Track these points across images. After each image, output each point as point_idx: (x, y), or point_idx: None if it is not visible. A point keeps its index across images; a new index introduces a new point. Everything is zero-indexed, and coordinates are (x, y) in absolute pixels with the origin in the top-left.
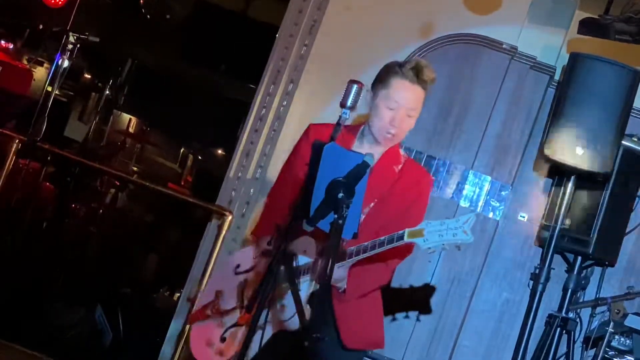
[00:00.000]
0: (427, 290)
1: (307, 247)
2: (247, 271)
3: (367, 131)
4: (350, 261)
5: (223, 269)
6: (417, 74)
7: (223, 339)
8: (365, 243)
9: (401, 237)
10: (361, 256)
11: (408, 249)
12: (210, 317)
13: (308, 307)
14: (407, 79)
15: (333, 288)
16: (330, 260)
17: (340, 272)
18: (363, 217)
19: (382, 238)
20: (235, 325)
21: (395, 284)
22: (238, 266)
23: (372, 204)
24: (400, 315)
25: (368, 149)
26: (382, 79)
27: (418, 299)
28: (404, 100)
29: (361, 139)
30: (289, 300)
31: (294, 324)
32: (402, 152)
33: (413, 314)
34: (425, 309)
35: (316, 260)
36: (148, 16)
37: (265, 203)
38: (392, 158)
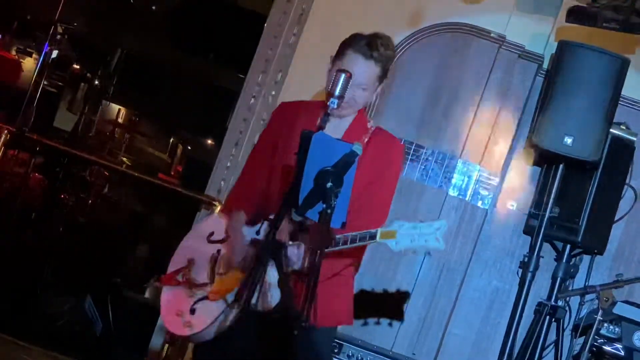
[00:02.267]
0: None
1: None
2: (220, 241)
3: (331, 109)
4: (320, 254)
5: (197, 234)
6: (371, 50)
7: (192, 311)
8: (338, 236)
9: (373, 237)
10: (331, 249)
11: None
12: (181, 284)
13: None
14: (360, 53)
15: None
16: (319, 250)
17: (292, 251)
18: None
19: (355, 233)
20: (205, 298)
21: (384, 271)
22: (212, 234)
23: None
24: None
25: (332, 122)
26: (339, 51)
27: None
28: (355, 72)
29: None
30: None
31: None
32: (370, 122)
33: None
34: (398, 315)
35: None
36: (135, 6)
37: (236, 181)
38: (359, 129)
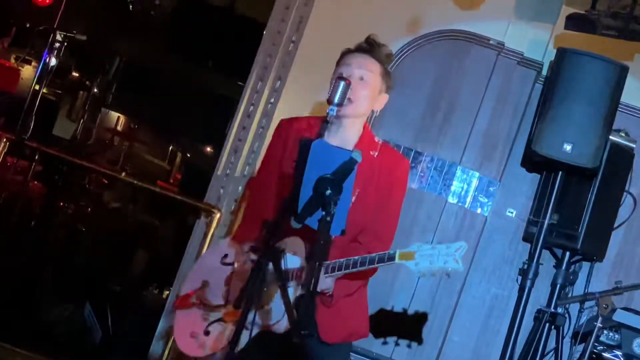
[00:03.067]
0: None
1: (297, 248)
2: (233, 264)
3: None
4: (339, 274)
5: (211, 256)
6: (369, 46)
7: (207, 333)
8: (355, 257)
9: (392, 258)
10: (350, 270)
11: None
12: (195, 306)
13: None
14: (357, 50)
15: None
16: (318, 261)
17: (327, 282)
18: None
19: (373, 255)
20: (220, 320)
21: (383, 278)
22: (225, 256)
23: (357, 191)
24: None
25: (335, 133)
26: (338, 59)
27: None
28: (353, 66)
29: (328, 126)
30: (275, 304)
31: (281, 328)
32: (376, 137)
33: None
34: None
35: (303, 267)
36: (133, 14)
37: (245, 208)
38: (369, 144)
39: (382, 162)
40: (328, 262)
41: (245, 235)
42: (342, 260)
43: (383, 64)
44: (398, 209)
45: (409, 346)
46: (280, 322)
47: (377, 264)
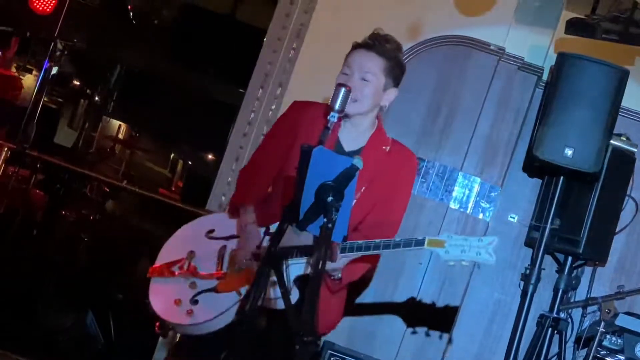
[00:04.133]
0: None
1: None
2: (223, 238)
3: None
4: (359, 254)
5: (192, 229)
6: (374, 41)
7: (195, 301)
8: (377, 240)
9: (421, 243)
10: (371, 252)
11: None
12: (178, 275)
13: (295, 287)
14: (361, 47)
15: (326, 276)
16: (321, 263)
17: (340, 262)
18: (354, 201)
19: (398, 240)
20: (212, 290)
21: (384, 284)
22: (212, 231)
23: (363, 188)
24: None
25: (349, 131)
26: (345, 57)
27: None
28: (356, 63)
29: (341, 124)
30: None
31: (281, 304)
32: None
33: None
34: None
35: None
36: (134, 21)
37: (245, 172)
38: (381, 139)
39: (393, 156)
40: (347, 242)
41: (245, 200)
42: (361, 242)
43: (389, 60)
44: (405, 202)
45: (411, 352)
46: (279, 299)
47: (402, 247)
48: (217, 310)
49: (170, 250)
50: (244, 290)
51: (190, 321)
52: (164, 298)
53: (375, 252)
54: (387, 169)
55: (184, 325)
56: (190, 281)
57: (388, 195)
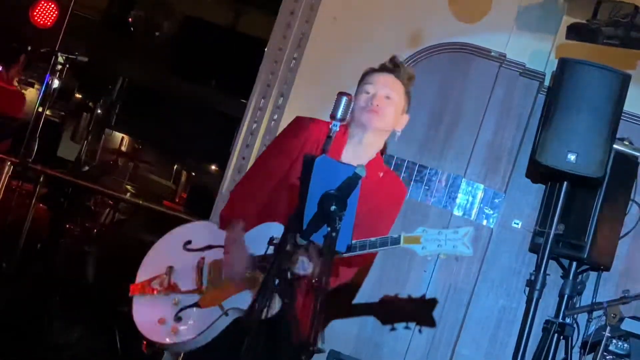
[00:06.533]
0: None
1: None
2: (200, 249)
3: (352, 132)
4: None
5: (168, 243)
6: (393, 66)
7: (178, 318)
8: (354, 242)
9: (397, 242)
10: (350, 254)
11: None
12: (160, 292)
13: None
14: (381, 70)
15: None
16: (325, 274)
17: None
18: None
19: (374, 239)
20: (195, 305)
21: (390, 292)
22: (189, 242)
23: None
24: (399, 325)
25: (357, 143)
26: (359, 82)
27: (419, 312)
28: (379, 84)
29: (351, 133)
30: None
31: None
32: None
33: (412, 324)
34: (428, 321)
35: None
36: (135, 34)
37: (241, 185)
38: (378, 164)
39: (385, 184)
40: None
41: (238, 213)
42: None
43: (405, 86)
44: (386, 231)
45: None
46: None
47: (379, 247)
48: (202, 326)
49: (149, 265)
50: (227, 303)
51: (175, 339)
52: (148, 318)
53: (353, 254)
54: (376, 194)
55: (170, 344)
56: (172, 298)
57: (372, 221)
